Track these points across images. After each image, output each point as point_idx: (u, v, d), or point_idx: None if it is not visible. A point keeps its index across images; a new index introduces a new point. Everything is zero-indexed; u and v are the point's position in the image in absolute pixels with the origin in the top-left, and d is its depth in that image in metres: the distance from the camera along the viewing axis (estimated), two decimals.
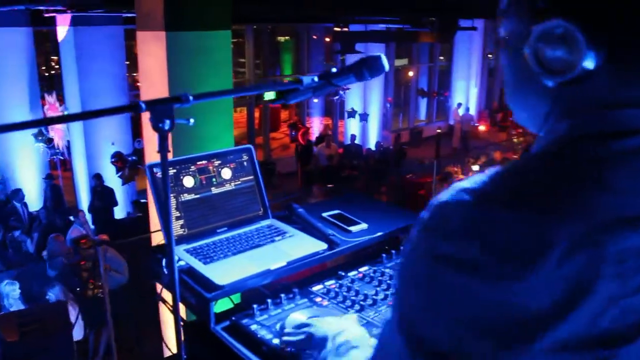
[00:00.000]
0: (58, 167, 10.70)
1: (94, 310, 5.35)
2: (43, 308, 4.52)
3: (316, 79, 1.29)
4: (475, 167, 11.72)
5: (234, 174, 1.74)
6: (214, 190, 1.69)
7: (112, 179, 9.88)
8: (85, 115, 1.07)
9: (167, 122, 1.13)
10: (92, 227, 8.61)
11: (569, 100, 0.75)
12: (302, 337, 1.21)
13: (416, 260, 0.71)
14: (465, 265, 0.65)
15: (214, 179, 1.69)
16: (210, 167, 1.70)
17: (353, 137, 14.48)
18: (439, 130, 15.90)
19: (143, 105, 1.09)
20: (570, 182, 0.66)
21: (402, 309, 0.72)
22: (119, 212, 9.99)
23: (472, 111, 18.74)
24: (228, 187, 1.72)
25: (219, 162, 1.72)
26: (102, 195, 9.41)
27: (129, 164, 9.89)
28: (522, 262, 0.62)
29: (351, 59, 14.77)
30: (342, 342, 1.09)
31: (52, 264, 5.91)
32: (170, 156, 1.22)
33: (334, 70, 1.31)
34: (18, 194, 8.97)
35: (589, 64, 0.69)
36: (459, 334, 0.65)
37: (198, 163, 1.68)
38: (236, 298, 1.66)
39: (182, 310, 1.46)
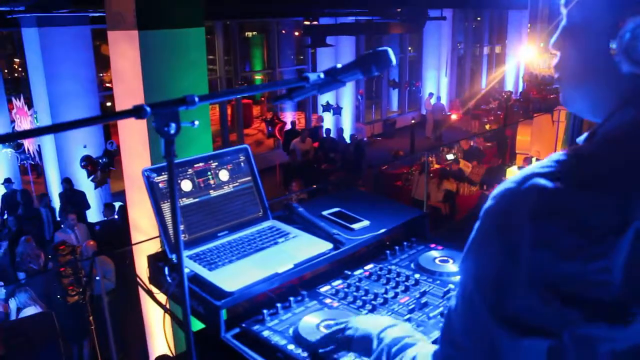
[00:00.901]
0: (29, 172, 10.44)
1: (76, 317, 5.24)
2: (29, 321, 4.40)
3: (322, 75, 1.25)
4: (450, 156, 11.80)
5: (232, 175, 1.69)
6: (213, 193, 1.64)
7: (86, 182, 9.68)
8: (84, 122, 1.01)
9: (173, 125, 1.08)
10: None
11: (639, 90, 0.77)
12: (337, 340, 1.17)
13: (497, 243, 0.74)
14: (548, 244, 0.68)
15: (211, 182, 1.64)
16: (208, 170, 1.64)
17: (328, 131, 14.43)
18: (413, 121, 15.98)
19: (148, 109, 1.04)
20: None
21: (487, 290, 0.75)
22: (94, 216, 9.81)
23: (444, 100, 18.88)
24: (226, 189, 1.67)
25: (216, 163, 1.66)
26: (72, 199, 9.22)
27: (100, 166, 9.70)
28: (603, 240, 0.66)
29: (322, 52, 14.75)
30: (392, 340, 1.03)
31: (21, 267, 5.80)
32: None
33: (339, 66, 1.27)
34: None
35: None
36: (546, 307, 0.69)
37: (195, 166, 1.62)
38: None
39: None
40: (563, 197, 0.69)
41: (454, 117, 17.91)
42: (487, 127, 15.89)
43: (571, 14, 0.85)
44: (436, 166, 11.40)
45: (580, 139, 0.88)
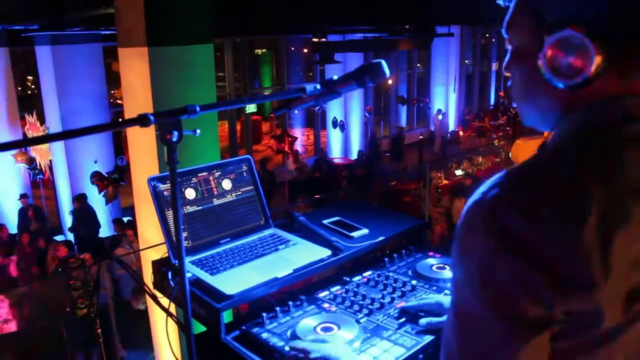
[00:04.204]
0: (41, 188, 10.57)
1: (84, 329, 5.27)
2: (37, 330, 4.46)
3: (319, 86, 1.31)
4: (459, 172, 11.82)
5: (235, 184, 1.74)
6: (216, 202, 1.70)
7: (97, 197, 9.79)
8: (90, 130, 1.07)
9: (175, 133, 1.14)
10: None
11: (578, 100, 0.85)
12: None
13: (478, 250, 0.79)
14: (523, 246, 0.74)
15: (215, 190, 1.70)
16: (211, 179, 1.70)
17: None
18: (421, 137, 16.03)
19: (152, 118, 1.09)
20: (595, 161, 0.77)
21: (480, 290, 0.80)
22: (104, 231, 9.89)
23: (452, 116, 18.94)
24: (229, 197, 1.72)
25: (219, 173, 1.72)
26: (84, 216, 9.30)
27: (111, 182, 9.80)
28: (567, 232, 0.72)
29: (330, 69, 14.87)
30: None
31: None
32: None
33: (335, 77, 1.33)
34: None
35: (597, 67, 0.80)
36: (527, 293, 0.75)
37: (199, 175, 1.68)
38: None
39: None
40: (522, 200, 0.76)
41: (461, 133, 17.95)
42: (496, 142, 15.90)
43: (510, 39, 0.95)
44: (445, 182, 11.41)
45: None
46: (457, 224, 0.84)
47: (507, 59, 0.97)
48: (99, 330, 4.87)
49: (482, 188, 0.81)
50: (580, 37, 0.79)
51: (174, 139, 1.14)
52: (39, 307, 5.15)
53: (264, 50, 19.59)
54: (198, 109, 1.15)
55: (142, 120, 1.10)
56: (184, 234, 1.61)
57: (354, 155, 15.15)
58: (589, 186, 0.74)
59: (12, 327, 4.82)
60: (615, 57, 0.80)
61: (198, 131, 1.21)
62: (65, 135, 1.17)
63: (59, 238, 9.69)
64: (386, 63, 1.32)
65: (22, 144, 1.19)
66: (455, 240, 0.84)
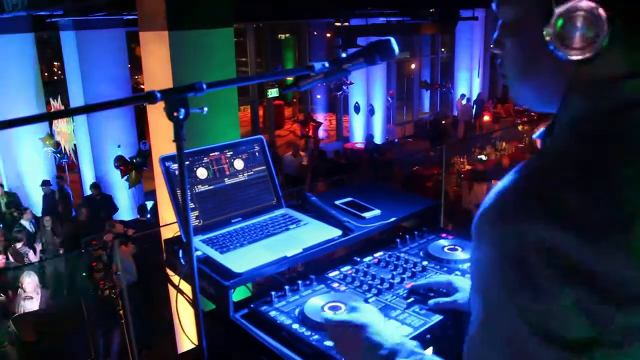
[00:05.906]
0: (66, 171, 10.77)
1: (107, 310, 5.37)
2: (59, 308, 4.56)
3: (327, 64, 1.30)
4: (482, 157, 11.70)
5: (247, 164, 1.75)
6: (227, 181, 1.70)
7: (120, 181, 9.93)
8: (101, 106, 1.08)
9: (182, 111, 1.14)
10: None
11: (585, 78, 0.79)
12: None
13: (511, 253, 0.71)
14: (544, 247, 0.67)
15: (226, 170, 1.71)
16: (223, 158, 1.71)
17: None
18: (443, 122, 15.90)
19: (158, 95, 1.10)
20: (624, 154, 0.70)
21: (513, 305, 0.70)
22: (128, 216, 10.03)
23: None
24: (241, 177, 1.73)
25: (231, 153, 1.73)
26: (101, 203, 9.45)
27: (134, 166, 9.91)
28: (609, 237, 0.65)
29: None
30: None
31: None
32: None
33: (344, 55, 1.32)
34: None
35: (608, 40, 0.74)
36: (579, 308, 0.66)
37: (211, 154, 1.69)
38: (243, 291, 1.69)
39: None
40: (547, 203, 0.68)
41: (486, 118, 17.75)
42: (520, 127, 15.70)
43: (504, 11, 0.88)
44: (467, 167, 11.31)
45: (536, 135, 0.90)
46: (475, 216, 0.77)
47: (496, 33, 0.90)
48: (121, 312, 4.96)
49: (497, 194, 0.74)
50: (594, 7, 0.74)
51: (181, 117, 1.14)
52: (63, 287, 5.26)
53: (286, 35, 19.56)
54: (204, 86, 1.15)
55: (149, 98, 1.11)
56: (195, 213, 1.62)
57: (377, 140, 15.09)
58: (627, 185, 0.67)
59: (34, 305, 4.94)
60: (625, 33, 0.75)
61: (205, 109, 1.21)
62: (80, 110, 1.19)
63: None
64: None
65: (41, 118, 1.20)
66: (475, 250, 0.77)
